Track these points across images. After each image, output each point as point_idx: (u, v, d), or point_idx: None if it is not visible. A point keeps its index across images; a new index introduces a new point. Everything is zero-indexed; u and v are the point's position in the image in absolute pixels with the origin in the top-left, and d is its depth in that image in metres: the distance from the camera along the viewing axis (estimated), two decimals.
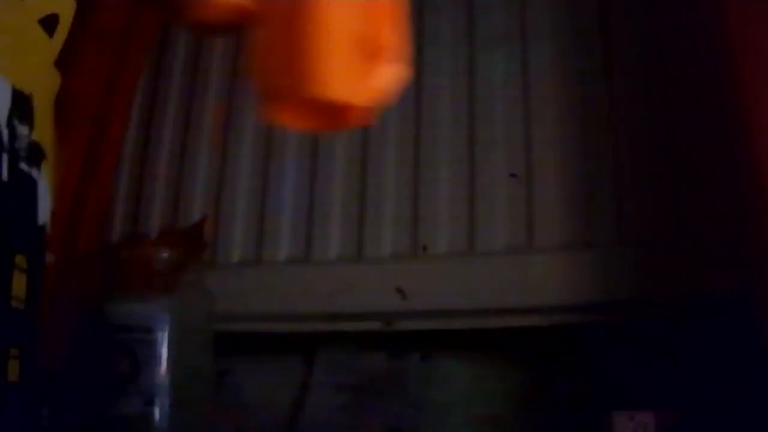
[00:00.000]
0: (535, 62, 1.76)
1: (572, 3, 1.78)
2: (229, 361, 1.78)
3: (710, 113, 1.58)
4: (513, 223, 1.67)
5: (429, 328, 1.67)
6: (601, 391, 1.52)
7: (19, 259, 1.25)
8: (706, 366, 1.44)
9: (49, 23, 1.31)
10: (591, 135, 1.67)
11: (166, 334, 1.56)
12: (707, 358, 1.43)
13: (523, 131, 1.71)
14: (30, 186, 1.28)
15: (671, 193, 1.59)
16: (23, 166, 1.25)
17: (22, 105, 1.23)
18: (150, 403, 1.53)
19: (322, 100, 0.69)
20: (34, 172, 1.29)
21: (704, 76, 1.60)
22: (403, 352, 1.75)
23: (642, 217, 1.59)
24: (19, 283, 1.25)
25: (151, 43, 1.98)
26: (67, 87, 1.47)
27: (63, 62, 1.41)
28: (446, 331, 1.66)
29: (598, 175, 1.64)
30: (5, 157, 1.20)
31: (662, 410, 1.41)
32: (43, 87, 1.35)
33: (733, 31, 1.33)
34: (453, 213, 1.71)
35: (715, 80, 1.54)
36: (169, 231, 1.87)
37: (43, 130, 1.32)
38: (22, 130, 1.23)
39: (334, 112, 0.71)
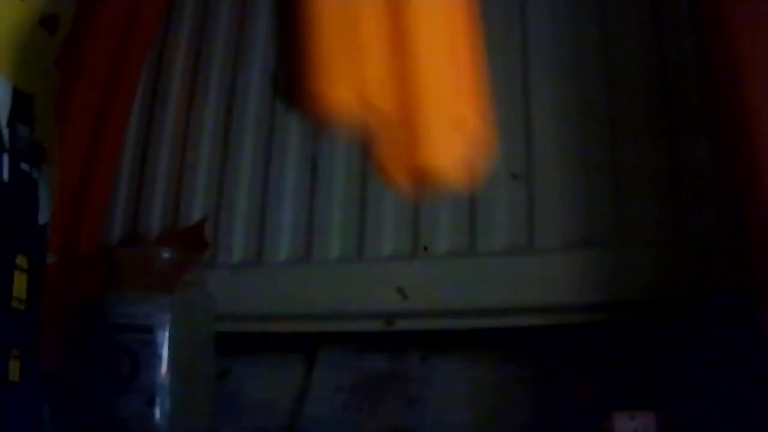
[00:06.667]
0: (535, 63, 1.76)
1: (572, 3, 1.78)
2: (229, 361, 1.78)
3: (711, 113, 1.58)
4: (513, 223, 1.66)
5: (429, 328, 1.67)
6: (602, 391, 1.52)
7: (20, 259, 1.25)
8: (706, 366, 1.44)
9: (49, 23, 1.32)
10: (591, 135, 1.67)
11: (166, 334, 1.56)
12: (707, 358, 1.44)
13: (524, 132, 1.71)
14: (31, 186, 1.29)
15: (671, 193, 1.60)
16: (24, 166, 1.25)
17: (23, 105, 1.24)
18: (150, 403, 1.53)
19: (427, 168, 0.94)
20: (35, 172, 1.29)
21: (706, 75, 1.60)
22: (403, 352, 1.75)
23: (642, 217, 1.59)
24: (19, 283, 1.26)
25: (151, 43, 1.97)
26: (67, 87, 1.47)
27: (63, 62, 1.41)
28: (446, 331, 1.66)
29: (598, 175, 1.64)
30: (6, 157, 1.21)
31: (663, 410, 1.41)
32: (44, 87, 1.35)
33: (734, 31, 1.34)
34: (453, 213, 1.70)
35: (717, 79, 1.54)
36: (169, 231, 1.86)
37: (43, 130, 1.33)
38: (23, 130, 1.24)
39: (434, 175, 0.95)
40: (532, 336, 1.60)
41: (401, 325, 1.68)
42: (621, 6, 1.74)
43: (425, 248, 1.70)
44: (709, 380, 1.42)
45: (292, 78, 0.99)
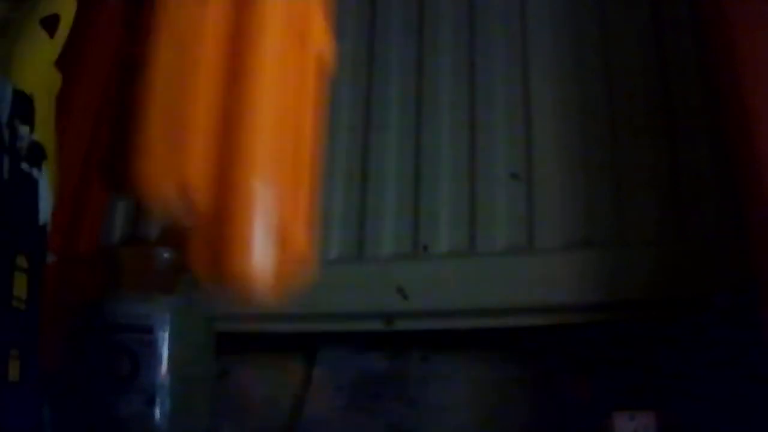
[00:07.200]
0: (535, 63, 1.76)
1: (572, 3, 1.79)
2: (229, 361, 1.78)
3: (711, 113, 1.58)
4: (513, 223, 1.67)
5: (429, 328, 1.67)
6: (602, 391, 1.52)
7: (20, 259, 1.25)
8: (706, 366, 1.45)
9: (49, 23, 1.32)
10: (591, 135, 1.67)
11: (167, 334, 1.56)
12: (707, 358, 1.44)
13: (524, 131, 1.72)
14: (31, 186, 1.29)
15: (671, 193, 1.60)
16: (24, 166, 1.25)
17: (23, 105, 1.24)
18: (150, 403, 1.52)
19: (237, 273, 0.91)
20: (35, 172, 1.29)
21: (706, 75, 1.61)
22: (403, 352, 1.75)
23: (642, 217, 1.60)
24: (19, 283, 1.25)
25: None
26: (67, 87, 1.47)
27: (63, 62, 1.41)
28: (446, 331, 1.66)
29: (598, 175, 1.64)
30: (6, 157, 1.21)
31: (663, 410, 1.41)
32: (44, 87, 1.35)
33: (734, 31, 1.34)
34: (454, 212, 1.71)
35: (717, 79, 1.55)
36: (169, 231, 1.86)
37: (43, 130, 1.33)
38: (23, 130, 1.24)
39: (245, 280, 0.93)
40: (532, 336, 1.60)
41: (401, 325, 1.68)
42: (621, 6, 1.75)
43: (425, 248, 1.70)
44: (709, 380, 1.42)
45: (119, 155, 0.94)
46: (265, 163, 0.91)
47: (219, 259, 0.90)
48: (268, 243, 0.91)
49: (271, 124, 0.93)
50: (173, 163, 0.88)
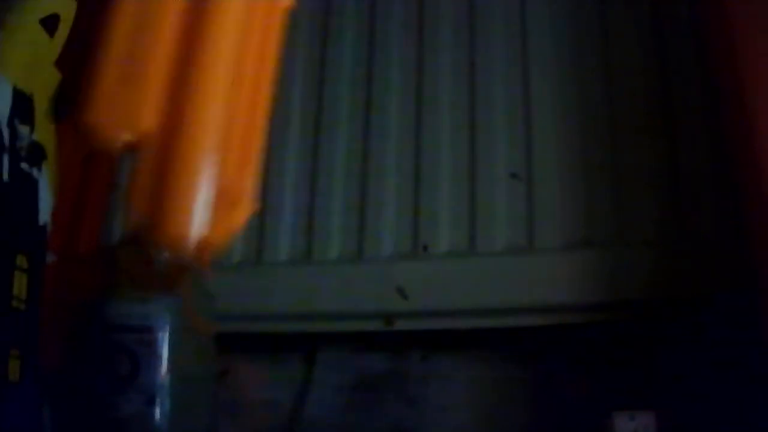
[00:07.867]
0: (535, 63, 1.76)
1: (572, 3, 1.79)
2: (229, 361, 1.78)
3: (711, 112, 1.58)
4: (513, 223, 1.67)
5: (429, 328, 1.67)
6: (602, 391, 1.52)
7: (20, 259, 1.25)
8: (706, 366, 1.45)
9: (49, 23, 1.32)
10: (591, 135, 1.67)
11: (166, 334, 1.56)
12: (707, 358, 1.44)
13: (524, 131, 1.72)
14: (31, 186, 1.29)
15: (671, 194, 1.60)
16: (24, 166, 1.25)
17: (23, 105, 1.24)
18: (150, 403, 1.52)
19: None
20: (35, 172, 1.29)
21: (706, 75, 1.61)
22: (403, 352, 1.75)
23: (642, 218, 1.60)
24: (19, 283, 1.26)
25: None
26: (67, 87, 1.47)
27: (63, 62, 1.41)
28: (446, 331, 1.66)
29: (598, 175, 1.64)
30: (6, 157, 1.21)
31: (663, 410, 1.41)
32: (44, 87, 1.35)
33: (734, 31, 1.34)
34: (454, 212, 1.71)
35: (717, 79, 1.55)
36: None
37: (43, 130, 1.33)
38: (23, 130, 1.24)
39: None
40: (532, 336, 1.60)
41: (401, 325, 1.68)
42: (621, 6, 1.75)
43: (425, 248, 1.70)
44: (709, 380, 1.42)
45: (71, 93, 0.96)
46: (215, 124, 0.92)
47: (157, 214, 0.94)
48: (209, 206, 0.92)
49: (225, 86, 0.93)
50: (127, 113, 0.90)
